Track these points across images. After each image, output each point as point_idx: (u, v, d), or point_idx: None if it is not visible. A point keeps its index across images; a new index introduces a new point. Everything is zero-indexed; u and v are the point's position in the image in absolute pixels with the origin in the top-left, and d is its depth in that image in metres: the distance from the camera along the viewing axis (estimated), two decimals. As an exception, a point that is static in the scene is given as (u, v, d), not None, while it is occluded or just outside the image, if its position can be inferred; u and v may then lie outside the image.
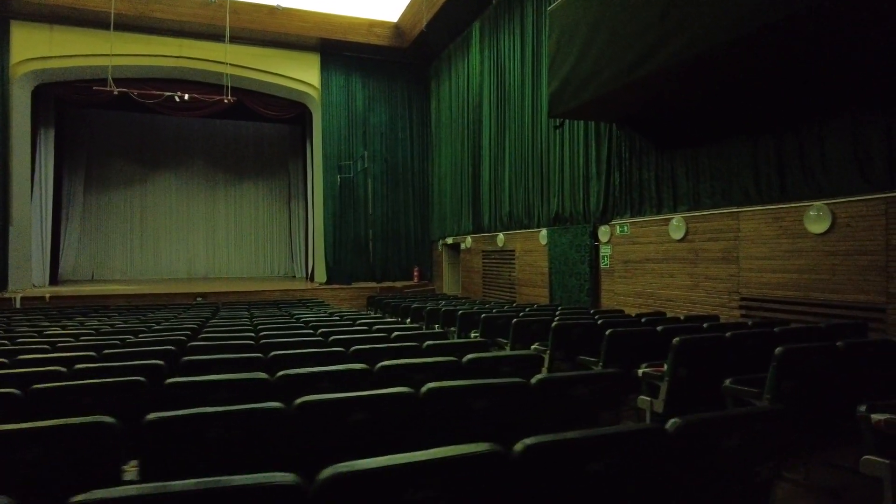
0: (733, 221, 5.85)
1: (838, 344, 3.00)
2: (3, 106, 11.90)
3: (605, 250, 8.29)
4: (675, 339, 3.43)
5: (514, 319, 5.37)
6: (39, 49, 12.20)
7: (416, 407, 2.10)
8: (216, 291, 12.45)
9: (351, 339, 3.93)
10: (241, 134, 18.18)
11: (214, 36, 12.72)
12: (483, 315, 6.01)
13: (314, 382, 2.62)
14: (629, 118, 7.23)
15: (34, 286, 12.95)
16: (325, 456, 1.97)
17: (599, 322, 4.90)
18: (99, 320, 7.06)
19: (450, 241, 14.00)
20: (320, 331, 4.69)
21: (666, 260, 6.83)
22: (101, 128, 16.38)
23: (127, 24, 12.38)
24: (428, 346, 3.53)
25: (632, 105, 6.53)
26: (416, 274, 14.98)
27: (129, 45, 12.68)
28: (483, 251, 12.26)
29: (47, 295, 10.84)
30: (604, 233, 8.23)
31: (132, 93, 11.84)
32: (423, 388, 2.13)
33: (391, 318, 9.81)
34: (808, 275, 5.10)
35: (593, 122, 8.31)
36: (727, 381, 3.12)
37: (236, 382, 2.53)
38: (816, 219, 5.04)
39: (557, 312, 6.34)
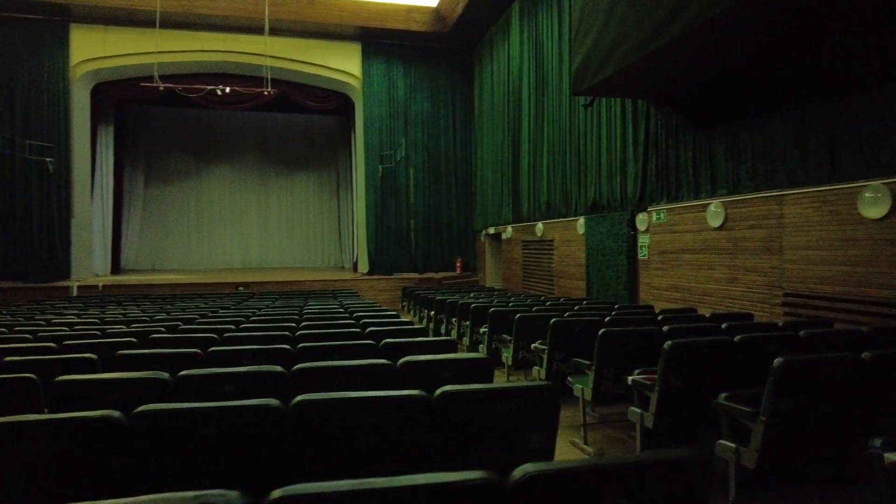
0: (776, 206, 5.11)
1: (864, 355, 2.41)
2: (65, 105, 12.58)
3: (643, 240, 7.63)
4: (667, 343, 2.93)
5: (518, 315, 4.95)
6: (95, 50, 12.79)
7: (284, 423, 1.78)
8: (259, 281, 12.67)
9: (313, 334, 3.67)
10: (292, 126, 18.47)
11: (256, 29, 12.83)
12: (491, 310, 5.61)
13: (219, 385, 2.37)
14: (663, 94, 6.54)
15: (96, 275, 13.71)
16: (162, 480, 1.69)
17: (607, 319, 4.39)
18: (125, 308, 7.24)
19: (492, 231, 13.56)
20: (303, 324, 4.47)
21: (703, 250, 6.13)
22: (159, 123, 17.11)
23: (174, 22, 12.75)
24: (385, 344, 3.21)
25: (658, 78, 5.87)
26: (458, 265, 14.65)
27: (176, 41, 13.06)
28: (523, 241, 11.76)
29: (100, 284, 11.38)
30: (641, 221, 7.56)
31: (177, 88, 12.18)
32: (294, 401, 1.80)
33: (414, 311, 9.58)
34: (862, 268, 4.33)
35: (630, 101, 7.63)
36: (721, 397, 2.59)
37: (132, 381, 2.31)
38: (873, 201, 4.27)
39: (576, 308, 5.83)
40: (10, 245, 12.22)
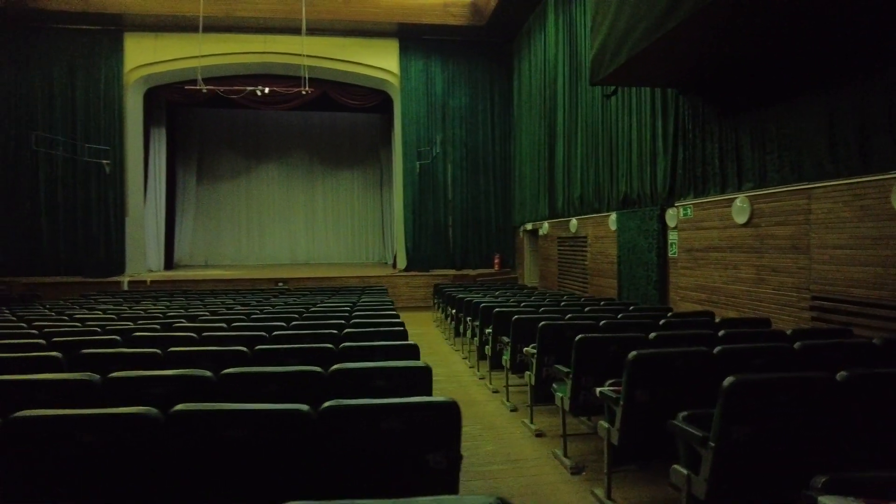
0: (804, 200, 4.65)
1: (839, 375, 2.10)
2: (120, 110, 13.31)
3: (673, 237, 7.19)
4: (632, 354, 2.69)
5: (515, 317, 4.75)
6: (146, 56, 13.43)
7: (157, 433, 1.73)
8: (299, 277, 12.94)
9: (287, 335, 3.65)
10: (337, 124, 18.79)
11: (295, 30, 13.07)
12: (496, 310, 5.43)
13: (147, 388, 2.36)
14: (685, 80, 6.10)
15: (150, 271, 14.47)
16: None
17: (602, 324, 4.14)
18: (156, 304, 7.54)
19: (529, 227, 13.26)
20: (293, 323, 4.47)
21: (730, 248, 5.68)
22: (210, 125, 17.82)
23: (217, 26, 13.18)
24: (342, 348, 3.12)
25: (674, 64, 5.47)
26: (496, 262, 14.43)
27: (220, 44, 13.52)
28: (558, 238, 11.42)
29: (149, 280, 11.98)
30: (671, 216, 7.13)
31: (218, 90, 12.60)
32: (170, 411, 1.74)
33: (442, 308, 9.47)
34: (896, 270, 3.86)
35: (660, 91, 7.19)
36: (679, 417, 2.34)
37: (60, 383, 2.34)
38: (908, 195, 3.78)
39: (587, 308, 5.56)
40: (74, 242, 13.08)
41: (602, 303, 6.33)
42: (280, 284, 12.44)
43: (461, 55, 14.53)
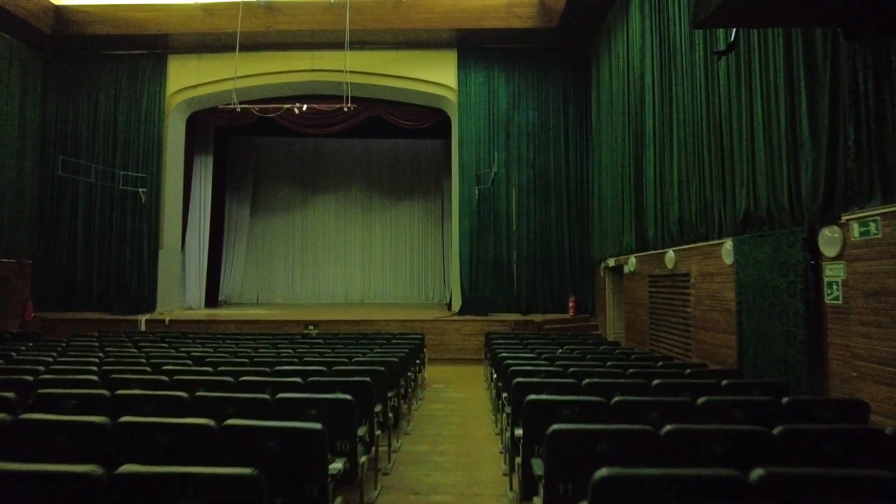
0: None
1: None
2: (159, 135, 12.47)
3: (832, 271, 4.50)
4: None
5: (530, 396, 2.41)
6: (190, 79, 12.61)
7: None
8: (330, 320, 11.09)
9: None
10: (398, 153, 17.30)
11: (343, 45, 11.71)
12: (516, 379, 3.12)
13: None
14: (862, 10, 3.55)
15: (189, 308, 13.34)
16: None
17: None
18: (133, 349, 5.91)
19: (612, 263, 10.65)
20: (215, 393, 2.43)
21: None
22: (265, 154, 16.91)
23: (259, 43, 12.15)
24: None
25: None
26: (571, 306, 11.84)
27: (264, 63, 12.45)
28: (650, 276, 8.77)
29: (167, 319, 10.65)
30: (830, 239, 4.47)
31: (254, 108, 11.39)
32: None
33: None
34: None
35: (801, 43, 4.67)
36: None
37: None
38: None
39: (701, 398, 3.06)
40: (106, 276, 12.18)
41: (725, 382, 3.78)
42: (309, 328, 10.68)
43: (529, 64, 12.50)
